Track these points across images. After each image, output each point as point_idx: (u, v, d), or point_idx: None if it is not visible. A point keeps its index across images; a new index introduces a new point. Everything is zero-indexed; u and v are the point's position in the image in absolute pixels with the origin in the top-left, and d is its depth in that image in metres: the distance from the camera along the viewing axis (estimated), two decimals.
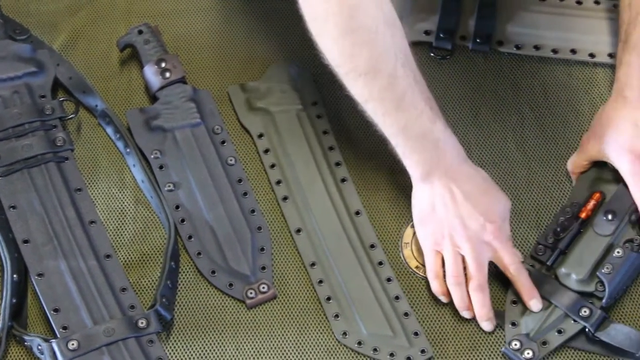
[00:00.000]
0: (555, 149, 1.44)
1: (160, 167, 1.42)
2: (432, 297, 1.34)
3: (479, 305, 1.31)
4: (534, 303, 1.31)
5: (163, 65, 1.47)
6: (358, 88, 1.28)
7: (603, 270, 1.29)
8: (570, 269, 1.31)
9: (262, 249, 1.37)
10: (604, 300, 1.29)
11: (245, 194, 1.41)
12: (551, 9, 1.54)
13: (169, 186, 1.40)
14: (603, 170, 1.38)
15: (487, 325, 1.31)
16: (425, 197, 1.33)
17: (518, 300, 1.32)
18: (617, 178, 1.35)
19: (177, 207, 1.39)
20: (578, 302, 1.29)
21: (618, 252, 1.30)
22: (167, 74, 1.46)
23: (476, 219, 1.30)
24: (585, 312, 1.28)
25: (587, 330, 1.28)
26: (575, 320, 1.29)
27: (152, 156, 1.42)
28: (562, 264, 1.32)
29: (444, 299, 1.33)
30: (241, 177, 1.42)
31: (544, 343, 1.29)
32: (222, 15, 1.57)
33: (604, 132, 1.34)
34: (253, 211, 1.40)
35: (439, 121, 1.31)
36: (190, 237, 1.38)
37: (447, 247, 1.32)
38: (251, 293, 1.34)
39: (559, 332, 1.29)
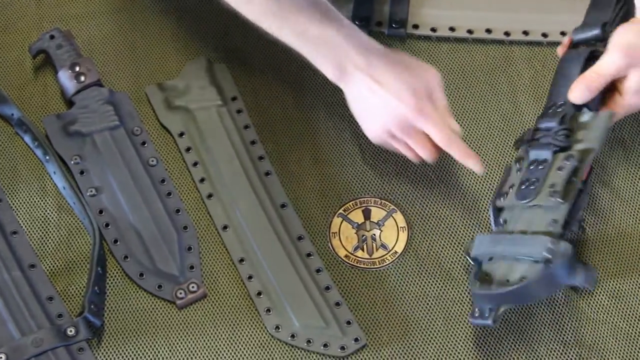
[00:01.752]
0: (477, 130, 1.44)
1: (81, 173, 1.40)
2: (363, 286, 1.34)
3: (461, 154, 1.32)
4: (473, 164, 1.32)
5: (77, 69, 1.45)
6: (248, 10, 1.34)
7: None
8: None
9: (190, 248, 1.36)
10: None
11: (169, 194, 1.40)
12: None
13: (91, 191, 1.39)
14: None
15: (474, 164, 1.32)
16: (351, 97, 1.34)
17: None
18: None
19: (101, 211, 1.38)
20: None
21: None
22: (82, 78, 1.44)
23: (404, 100, 1.31)
24: None
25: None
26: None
27: (72, 162, 1.40)
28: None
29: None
30: (164, 177, 1.41)
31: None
32: (134, 15, 1.55)
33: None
34: (178, 211, 1.39)
35: (334, 21, 1.32)
36: (115, 241, 1.36)
37: (397, 139, 1.34)
38: (181, 293, 1.33)
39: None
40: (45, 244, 1.37)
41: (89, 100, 1.44)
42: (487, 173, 1.41)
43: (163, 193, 1.40)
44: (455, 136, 1.32)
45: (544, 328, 1.30)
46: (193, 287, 1.33)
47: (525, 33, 1.51)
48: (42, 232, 1.38)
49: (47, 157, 1.41)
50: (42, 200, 1.41)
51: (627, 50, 1.30)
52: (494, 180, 1.41)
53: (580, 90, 1.31)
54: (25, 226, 1.38)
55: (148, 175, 1.40)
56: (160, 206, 1.38)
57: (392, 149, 1.36)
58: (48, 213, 1.40)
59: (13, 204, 1.39)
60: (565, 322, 1.31)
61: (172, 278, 1.34)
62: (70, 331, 1.27)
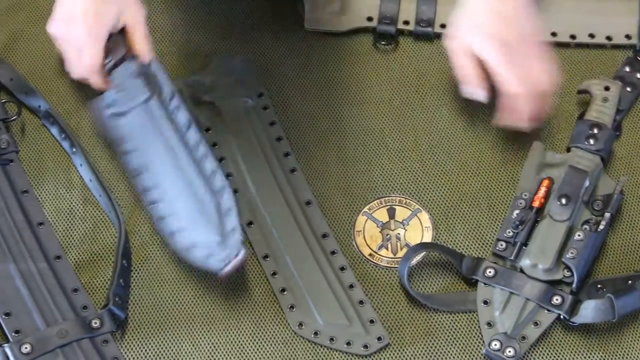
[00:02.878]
0: (503, 131, 1.44)
1: (124, 154, 1.37)
2: (387, 284, 1.34)
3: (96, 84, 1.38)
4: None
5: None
6: None
7: (568, 256, 1.29)
8: (535, 260, 1.31)
9: (228, 211, 1.32)
10: (573, 285, 1.29)
11: (204, 156, 1.35)
12: None
13: (135, 171, 1.35)
14: (546, 156, 1.39)
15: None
16: None
17: (490, 300, 1.31)
18: (563, 161, 1.36)
19: (145, 190, 1.34)
20: (549, 292, 1.30)
21: (579, 235, 1.30)
22: (109, 57, 1.40)
23: None
24: (557, 300, 1.29)
25: (562, 317, 1.29)
26: (549, 310, 1.29)
27: (116, 145, 1.37)
28: (526, 256, 1.32)
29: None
30: (198, 140, 1.36)
31: (523, 338, 1.28)
32: (160, 10, 1.55)
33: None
34: (214, 173, 1.35)
35: None
36: (161, 219, 1.32)
37: None
38: (225, 261, 1.29)
39: (536, 324, 1.29)
40: (71, 236, 1.38)
41: (121, 77, 1.39)
42: (512, 175, 1.41)
43: (198, 157, 1.35)
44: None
45: (569, 332, 1.30)
46: (234, 251, 1.29)
47: (554, 34, 1.50)
48: (68, 224, 1.39)
49: (74, 150, 1.42)
50: (68, 193, 1.41)
51: None
52: (514, 181, 1.41)
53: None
54: (51, 218, 1.38)
55: (183, 141, 1.36)
56: (196, 171, 1.34)
57: None
58: (74, 205, 1.40)
59: (39, 195, 1.40)
60: (591, 327, 1.30)
61: (216, 245, 1.30)
62: (95, 323, 1.28)
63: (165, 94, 1.39)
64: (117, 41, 1.40)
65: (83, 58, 1.37)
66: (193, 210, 1.32)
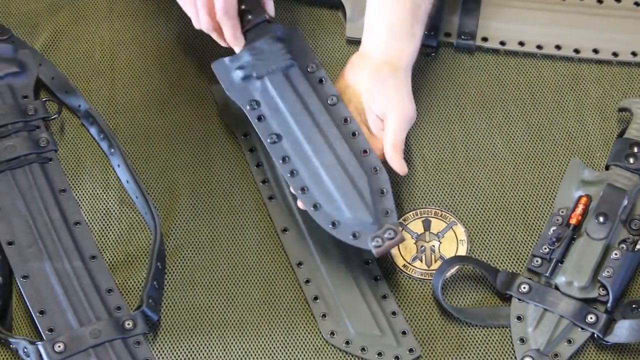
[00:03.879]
0: (542, 146, 1.43)
1: (259, 119, 1.32)
2: (420, 296, 1.34)
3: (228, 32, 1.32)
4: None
5: (242, 7, 1.34)
6: None
7: (604, 275, 1.29)
8: (570, 278, 1.30)
9: (382, 192, 1.30)
10: (608, 304, 1.29)
11: (354, 134, 1.31)
12: (535, 4, 1.53)
13: (272, 138, 1.32)
14: (585, 173, 1.38)
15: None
16: None
17: (523, 316, 1.31)
18: (601, 179, 1.36)
19: (284, 159, 1.31)
20: (583, 310, 1.29)
21: (615, 254, 1.29)
22: (249, 16, 1.34)
23: None
24: (591, 318, 1.28)
25: (595, 336, 1.28)
26: (582, 328, 1.29)
27: (249, 107, 1.33)
28: (562, 274, 1.31)
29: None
30: (346, 116, 1.32)
31: (556, 355, 1.28)
32: None
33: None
34: (365, 152, 1.31)
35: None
36: (303, 190, 1.30)
37: None
38: (377, 241, 1.26)
39: (569, 342, 1.28)
40: (106, 236, 1.38)
41: (258, 39, 1.35)
42: (549, 191, 1.40)
43: (347, 133, 1.32)
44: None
45: (602, 351, 1.30)
46: (390, 233, 1.27)
47: (595, 51, 1.49)
48: (104, 225, 1.39)
49: (112, 150, 1.42)
50: (104, 193, 1.42)
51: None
52: (551, 196, 1.40)
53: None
54: (87, 218, 1.39)
55: (329, 115, 1.33)
56: (345, 147, 1.31)
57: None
58: (110, 206, 1.41)
59: (76, 195, 1.41)
60: (624, 346, 1.30)
61: (366, 225, 1.28)
62: (128, 324, 1.28)
63: (309, 64, 1.35)
64: (255, 3, 1.35)
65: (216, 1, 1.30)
66: (342, 186, 1.29)
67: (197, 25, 1.35)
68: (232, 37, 1.33)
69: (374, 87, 1.33)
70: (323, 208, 1.29)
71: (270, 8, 1.36)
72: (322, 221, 1.29)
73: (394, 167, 1.32)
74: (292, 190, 1.30)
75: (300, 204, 1.31)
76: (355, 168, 1.30)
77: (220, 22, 1.32)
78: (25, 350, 1.26)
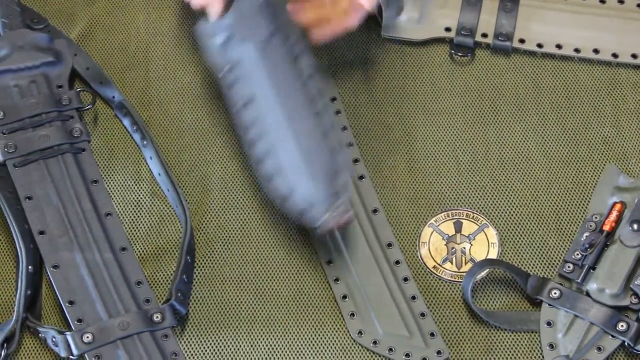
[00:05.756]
0: (577, 151, 1.42)
1: (231, 84, 1.33)
2: (449, 298, 1.34)
3: None
4: None
5: None
6: None
7: (636, 282, 1.28)
8: (602, 285, 1.29)
9: (337, 172, 1.29)
10: None
11: (322, 111, 1.32)
12: (574, 7, 1.52)
13: (243, 100, 1.31)
14: (620, 179, 1.37)
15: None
16: None
17: (553, 321, 1.30)
18: (636, 185, 1.35)
19: (249, 126, 1.31)
20: (614, 317, 1.28)
21: None
22: None
23: None
24: (622, 326, 1.27)
25: (626, 344, 1.27)
26: (613, 336, 1.28)
27: (222, 73, 1.33)
28: (593, 280, 1.30)
29: None
30: (319, 92, 1.33)
31: None
32: None
33: None
34: (332, 128, 1.32)
35: None
36: (260, 162, 1.30)
37: None
38: (326, 218, 1.27)
39: (599, 349, 1.27)
40: (137, 228, 1.39)
41: (243, 5, 1.34)
42: (583, 196, 1.39)
43: (317, 110, 1.31)
44: None
45: (633, 359, 1.29)
46: (339, 211, 1.28)
47: (634, 56, 1.48)
48: (134, 217, 1.39)
49: (145, 142, 1.42)
50: (136, 185, 1.42)
51: None
52: (585, 201, 1.39)
53: None
54: (119, 209, 1.39)
55: (303, 88, 1.32)
56: (312, 122, 1.31)
57: None
58: (141, 198, 1.41)
59: (108, 186, 1.41)
60: None
61: (317, 204, 1.28)
62: (157, 317, 1.28)
63: (291, 35, 1.34)
64: None
65: None
66: (300, 159, 1.28)
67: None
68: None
69: None
70: (277, 180, 1.29)
71: None
72: (276, 193, 1.29)
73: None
74: (252, 162, 1.30)
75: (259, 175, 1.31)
76: (317, 143, 1.29)
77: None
78: (54, 339, 1.26)
